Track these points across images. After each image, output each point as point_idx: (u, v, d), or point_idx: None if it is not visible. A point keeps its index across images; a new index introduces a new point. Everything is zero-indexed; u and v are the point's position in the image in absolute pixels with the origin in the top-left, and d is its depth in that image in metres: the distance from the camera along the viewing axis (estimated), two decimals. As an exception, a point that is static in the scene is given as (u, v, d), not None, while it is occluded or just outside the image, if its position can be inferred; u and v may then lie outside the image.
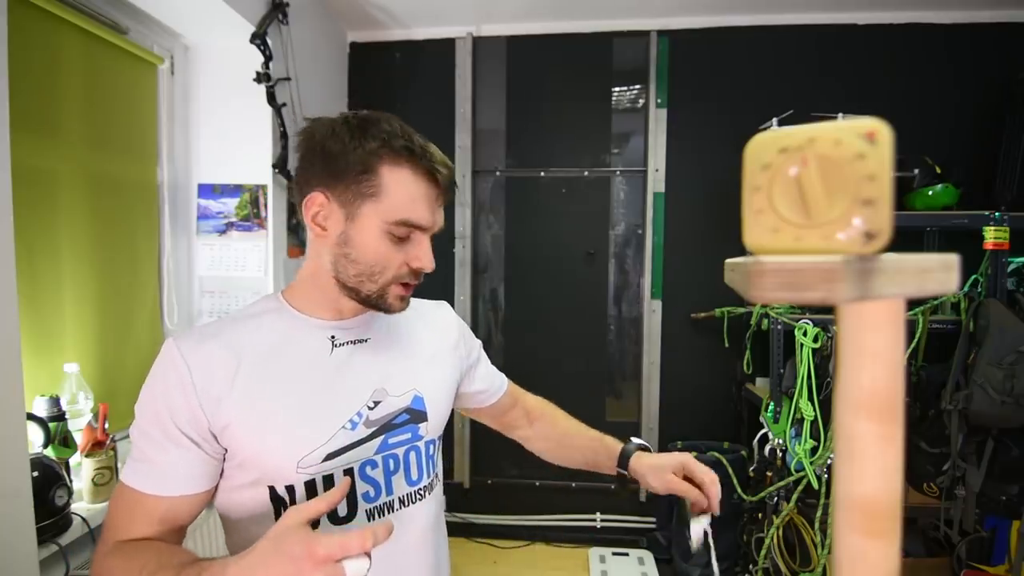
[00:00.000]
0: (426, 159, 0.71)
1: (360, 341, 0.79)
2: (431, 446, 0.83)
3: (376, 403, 0.77)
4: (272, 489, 0.71)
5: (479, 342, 1.00)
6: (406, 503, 0.78)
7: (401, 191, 0.70)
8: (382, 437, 0.77)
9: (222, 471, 0.72)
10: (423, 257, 0.73)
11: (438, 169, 0.72)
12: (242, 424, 0.68)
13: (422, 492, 0.81)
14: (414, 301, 0.93)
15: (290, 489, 0.71)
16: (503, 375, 1.04)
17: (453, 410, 0.94)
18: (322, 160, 0.71)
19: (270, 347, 0.73)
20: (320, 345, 0.76)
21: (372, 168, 0.69)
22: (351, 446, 0.74)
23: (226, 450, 0.70)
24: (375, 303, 0.74)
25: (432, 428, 0.83)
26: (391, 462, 0.77)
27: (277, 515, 0.71)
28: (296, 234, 2.12)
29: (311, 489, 0.71)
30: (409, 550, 0.78)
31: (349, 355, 0.77)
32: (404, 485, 0.79)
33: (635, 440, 0.97)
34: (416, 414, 0.81)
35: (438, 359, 0.87)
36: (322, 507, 0.59)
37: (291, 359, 0.73)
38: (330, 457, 0.72)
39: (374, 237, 0.71)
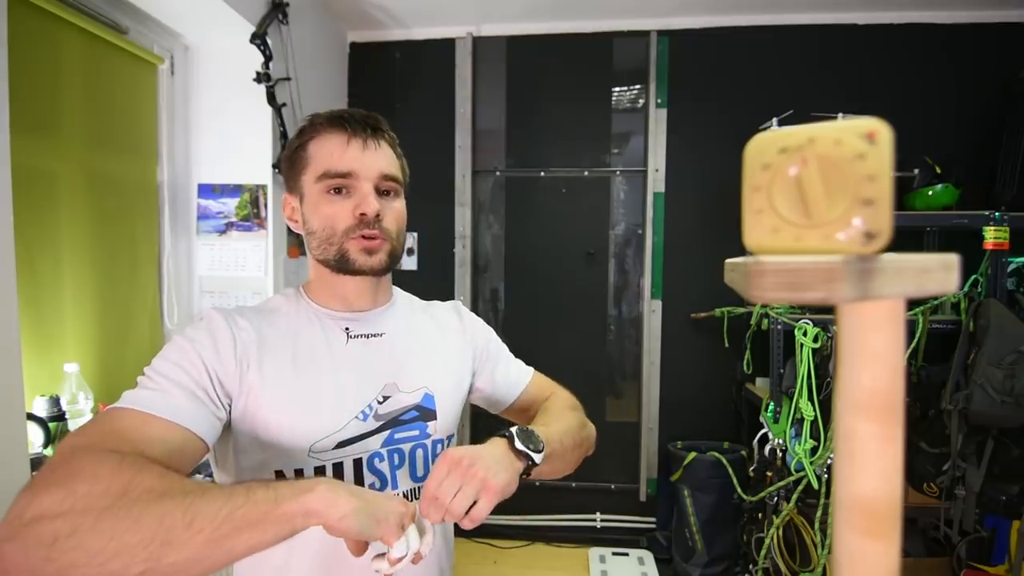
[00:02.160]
0: (335, 114, 0.77)
1: (375, 335, 0.81)
2: (439, 445, 0.83)
3: (385, 397, 0.78)
4: (279, 475, 0.71)
5: (495, 340, 0.95)
6: (410, 499, 0.79)
7: (321, 150, 0.76)
8: (388, 431, 0.77)
9: (228, 453, 0.72)
10: (362, 203, 0.75)
11: (344, 116, 0.77)
12: (263, 397, 0.70)
13: None
14: (427, 303, 0.94)
15: (299, 474, 0.71)
16: (526, 372, 0.96)
17: None
18: (281, 167, 0.82)
19: (290, 332, 0.76)
20: (336, 335, 0.78)
21: (303, 146, 0.78)
22: (361, 436, 0.75)
23: (230, 414, 0.69)
24: (344, 266, 0.77)
25: (441, 428, 0.83)
26: (396, 456, 0.78)
27: None
28: (296, 234, 2.12)
29: (320, 476, 0.72)
30: None
31: (363, 347, 0.79)
32: (408, 480, 0.79)
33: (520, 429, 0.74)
34: (425, 412, 0.81)
35: (450, 361, 0.88)
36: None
37: (309, 346, 0.76)
38: (341, 445, 0.73)
39: (316, 202, 0.76)
